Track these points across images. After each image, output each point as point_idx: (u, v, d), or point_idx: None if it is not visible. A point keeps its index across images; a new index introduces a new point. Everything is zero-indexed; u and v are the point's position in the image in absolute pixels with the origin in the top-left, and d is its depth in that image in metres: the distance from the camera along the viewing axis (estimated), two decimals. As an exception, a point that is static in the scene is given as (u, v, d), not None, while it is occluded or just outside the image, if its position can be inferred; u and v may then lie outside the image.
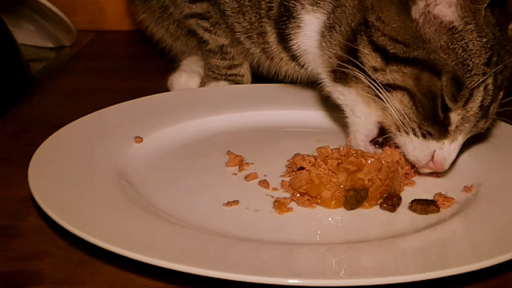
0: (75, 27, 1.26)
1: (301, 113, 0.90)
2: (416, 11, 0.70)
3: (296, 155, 0.74)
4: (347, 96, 0.76)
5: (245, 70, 0.99)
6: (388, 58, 0.71)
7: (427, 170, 0.73)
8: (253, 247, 0.61)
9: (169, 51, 1.13)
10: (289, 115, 0.90)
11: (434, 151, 0.71)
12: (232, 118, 0.89)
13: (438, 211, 0.68)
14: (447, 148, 0.71)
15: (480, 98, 0.70)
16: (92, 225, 0.61)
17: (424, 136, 0.71)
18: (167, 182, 0.74)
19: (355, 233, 0.65)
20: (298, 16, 0.81)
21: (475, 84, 0.69)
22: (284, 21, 0.83)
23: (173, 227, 0.63)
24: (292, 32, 0.83)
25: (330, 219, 0.67)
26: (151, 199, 0.69)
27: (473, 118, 0.71)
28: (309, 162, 0.70)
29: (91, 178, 0.70)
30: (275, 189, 0.72)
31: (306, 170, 0.70)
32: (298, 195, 0.70)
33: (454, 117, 0.70)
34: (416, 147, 0.72)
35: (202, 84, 1.01)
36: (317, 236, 0.65)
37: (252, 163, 0.78)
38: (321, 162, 0.70)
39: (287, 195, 0.71)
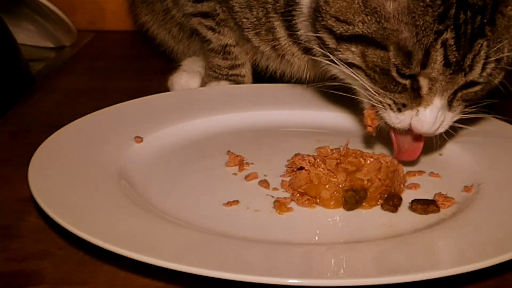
0: (75, 27, 1.26)
1: (301, 113, 0.90)
2: None
3: (296, 155, 0.74)
4: (342, 75, 0.76)
5: (246, 70, 0.99)
6: (338, 39, 0.72)
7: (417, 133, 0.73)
8: (253, 247, 0.61)
9: (171, 53, 1.13)
10: (289, 115, 0.90)
11: (412, 118, 0.71)
12: (232, 118, 0.89)
13: (438, 211, 0.68)
14: (422, 113, 0.70)
15: (440, 57, 0.67)
16: (92, 225, 0.61)
17: (399, 110, 0.72)
18: (167, 182, 0.74)
19: (355, 233, 0.65)
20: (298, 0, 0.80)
21: (427, 45, 0.67)
22: (290, 11, 0.82)
23: (173, 227, 0.63)
24: (298, 20, 0.82)
25: (330, 219, 0.67)
26: (151, 199, 0.69)
27: (441, 77, 0.68)
28: (309, 162, 0.70)
29: (91, 178, 0.70)
30: (275, 189, 0.72)
31: (306, 170, 0.70)
32: (298, 195, 0.70)
33: (422, 80, 0.69)
34: (398, 119, 0.72)
35: (203, 84, 1.01)
36: (317, 236, 0.65)
37: (252, 163, 0.78)
38: (320, 162, 0.70)
39: (287, 195, 0.71)
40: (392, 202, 0.68)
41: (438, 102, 0.70)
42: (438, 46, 0.67)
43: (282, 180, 0.73)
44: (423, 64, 0.68)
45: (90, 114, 0.85)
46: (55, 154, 0.75)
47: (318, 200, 0.69)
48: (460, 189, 0.72)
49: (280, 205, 0.68)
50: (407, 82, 0.70)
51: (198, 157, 0.80)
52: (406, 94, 0.71)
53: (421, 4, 0.67)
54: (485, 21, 0.68)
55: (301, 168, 0.71)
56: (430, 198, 0.69)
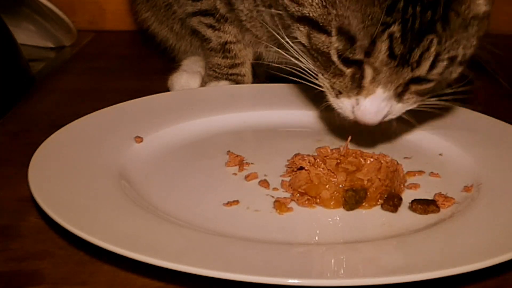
0: (75, 27, 1.26)
1: (301, 113, 0.90)
2: None
3: (296, 155, 0.74)
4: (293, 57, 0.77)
5: (246, 70, 0.99)
6: (291, 17, 0.73)
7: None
8: (253, 247, 0.61)
9: (171, 51, 1.13)
10: (289, 115, 0.90)
11: (354, 107, 0.72)
12: (232, 118, 0.89)
13: (438, 211, 0.68)
14: (362, 103, 0.71)
15: (385, 48, 0.67)
16: (92, 225, 0.61)
17: (337, 95, 0.72)
18: (167, 182, 0.74)
19: (355, 233, 0.65)
20: None
21: (374, 35, 0.66)
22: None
23: (173, 227, 0.63)
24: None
25: (330, 219, 0.67)
26: (151, 199, 0.69)
27: (385, 68, 0.68)
28: (309, 162, 0.70)
29: (91, 178, 0.70)
30: (275, 189, 0.72)
31: (306, 170, 0.70)
32: (298, 195, 0.70)
33: (367, 70, 0.69)
34: (338, 105, 0.73)
35: (203, 83, 1.01)
36: (317, 236, 0.65)
37: (252, 163, 0.78)
38: (320, 162, 0.70)
39: (287, 195, 0.71)
40: (392, 202, 0.68)
41: (381, 92, 0.70)
42: (385, 37, 0.67)
43: (282, 180, 0.73)
44: (367, 52, 0.68)
45: (90, 114, 0.85)
46: (55, 154, 0.75)
47: (318, 200, 0.69)
48: (460, 189, 0.72)
49: (280, 205, 0.68)
50: (348, 70, 0.70)
51: (198, 157, 0.80)
52: (343, 81, 0.71)
53: None
54: (436, 17, 0.67)
55: (301, 168, 0.71)
56: (430, 198, 0.69)
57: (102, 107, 0.88)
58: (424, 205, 0.68)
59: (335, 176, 0.69)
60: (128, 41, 1.37)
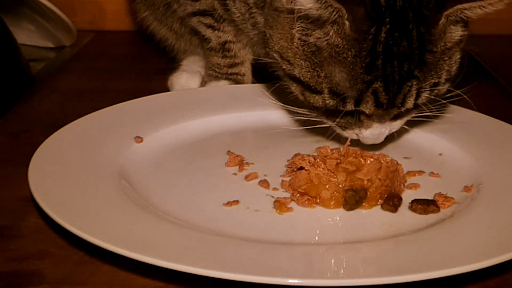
0: (75, 27, 1.26)
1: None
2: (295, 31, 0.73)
3: (296, 155, 0.74)
4: None
5: (246, 69, 0.99)
6: (284, 72, 0.77)
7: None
8: (253, 247, 0.61)
9: (171, 51, 1.13)
10: (289, 115, 0.90)
11: (358, 135, 0.77)
12: (232, 118, 0.89)
13: (438, 211, 0.68)
14: (364, 133, 0.76)
15: (371, 101, 0.72)
16: (92, 225, 0.61)
17: (342, 129, 0.77)
18: (167, 182, 0.74)
19: (355, 233, 0.65)
20: None
21: (358, 93, 0.71)
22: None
23: (173, 227, 0.63)
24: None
25: (330, 219, 0.67)
26: (151, 199, 0.69)
27: (375, 113, 0.73)
28: (309, 162, 0.70)
29: (91, 178, 0.70)
30: (275, 189, 0.72)
31: (306, 170, 0.70)
32: (298, 195, 0.70)
33: (361, 112, 0.74)
34: (344, 134, 0.78)
35: (203, 83, 1.01)
36: (317, 236, 0.65)
37: (252, 163, 0.78)
38: (320, 162, 0.70)
39: (287, 195, 0.71)
40: (392, 202, 0.68)
41: (377, 125, 0.75)
42: (369, 92, 0.71)
43: (282, 180, 0.73)
44: (356, 104, 0.72)
45: (90, 114, 0.86)
46: (55, 154, 0.75)
47: (318, 200, 0.69)
48: (460, 189, 0.72)
49: (280, 205, 0.68)
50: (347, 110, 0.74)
51: (198, 157, 0.80)
52: (346, 120, 0.75)
53: (350, 54, 0.70)
54: (412, 66, 0.71)
55: (301, 168, 0.71)
56: (430, 198, 0.69)
57: (102, 107, 0.88)
58: (424, 205, 0.68)
59: (335, 176, 0.69)
60: (128, 41, 1.37)
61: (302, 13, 0.71)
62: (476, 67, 1.21)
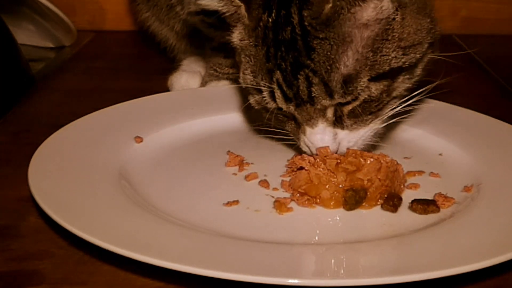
0: (75, 27, 1.26)
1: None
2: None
3: (296, 155, 0.74)
4: None
5: None
6: None
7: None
8: (253, 247, 0.61)
9: (171, 51, 1.13)
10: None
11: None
12: (232, 118, 0.89)
13: (438, 211, 0.68)
14: (304, 139, 0.73)
15: (279, 93, 0.70)
16: (92, 225, 0.61)
17: (297, 139, 0.75)
18: (167, 182, 0.74)
19: (355, 233, 0.65)
20: None
21: (265, 83, 0.70)
22: None
23: (173, 227, 0.63)
24: None
25: (330, 219, 0.67)
26: (151, 199, 0.69)
27: (292, 109, 0.71)
28: (309, 162, 0.70)
29: (91, 178, 0.70)
30: (275, 189, 0.72)
31: (306, 170, 0.70)
32: (297, 195, 0.70)
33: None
34: (300, 146, 0.74)
35: (203, 83, 1.01)
36: (317, 236, 0.65)
37: (252, 163, 0.78)
38: (320, 162, 0.70)
39: (287, 195, 0.71)
40: (392, 202, 0.68)
41: (310, 129, 0.71)
42: (275, 84, 0.70)
43: (282, 180, 0.73)
44: (273, 99, 0.71)
45: (90, 114, 0.86)
46: (55, 154, 0.75)
47: (318, 200, 0.69)
48: (460, 189, 0.72)
49: (280, 205, 0.68)
50: (286, 115, 0.73)
51: (198, 157, 0.80)
52: (290, 125, 0.74)
53: (252, 44, 0.71)
54: (298, 53, 0.68)
55: (301, 168, 0.71)
56: (430, 198, 0.69)
57: (102, 107, 0.88)
58: (424, 205, 0.68)
59: (335, 176, 0.69)
60: (128, 41, 1.37)
61: (222, 16, 0.72)
62: (476, 67, 1.21)
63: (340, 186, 0.68)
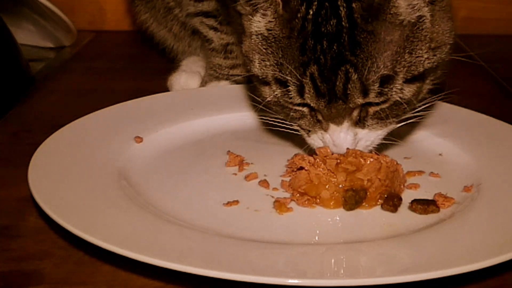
0: (75, 27, 1.26)
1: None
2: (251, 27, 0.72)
3: (296, 155, 0.74)
4: None
5: None
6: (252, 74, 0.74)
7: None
8: (253, 247, 0.61)
9: (170, 52, 1.13)
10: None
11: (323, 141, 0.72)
12: (232, 118, 0.89)
13: (438, 211, 0.68)
14: (326, 136, 0.71)
15: (310, 88, 0.68)
16: (92, 225, 0.61)
17: (307, 134, 0.73)
18: (167, 182, 0.74)
19: (355, 233, 0.65)
20: None
21: (297, 79, 0.68)
22: None
23: (173, 227, 0.63)
24: None
25: (330, 219, 0.67)
26: (151, 199, 0.69)
27: (321, 106, 0.69)
28: (309, 162, 0.70)
29: (91, 178, 0.70)
30: (275, 189, 0.72)
31: (306, 170, 0.70)
32: (297, 195, 0.70)
33: (316, 109, 0.70)
34: (310, 142, 0.74)
35: (203, 83, 1.02)
36: (317, 236, 0.65)
37: (252, 163, 0.78)
38: (320, 162, 0.70)
39: (287, 195, 0.71)
40: (392, 202, 0.68)
41: (334, 126, 0.70)
42: (308, 78, 0.68)
43: (282, 180, 0.73)
44: (300, 93, 0.69)
45: (90, 114, 0.86)
46: (55, 154, 0.75)
47: (318, 200, 0.69)
48: (460, 189, 0.72)
49: (280, 205, 0.68)
50: (305, 109, 0.71)
51: (198, 157, 0.80)
52: (306, 120, 0.72)
53: (285, 35, 0.68)
54: (343, 47, 0.66)
55: (301, 168, 0.71)
56: (430, 198, 0.69)
57: (102, 107, 0.88)
58: (424, 205, 0.68)
59: (335, 176, 0.69)
60: (128, 41, 1.37)
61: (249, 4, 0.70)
62: (476, 67, 1.21)
63: (340, 186, 0.68)
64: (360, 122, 0.71)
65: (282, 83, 0.69)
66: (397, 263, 0.59)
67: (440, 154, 0.80)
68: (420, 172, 0.76)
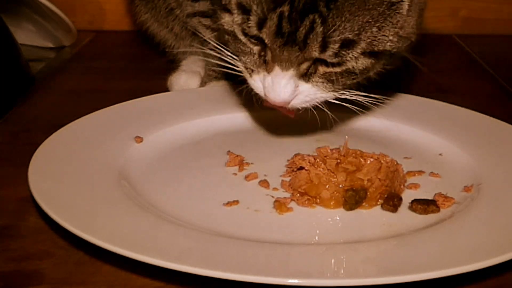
0: (75, 27, 1.26)
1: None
2: None
3: (296, 155, 0.74)
4: None
5: None
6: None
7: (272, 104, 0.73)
8: (253, 247, 0.61)
9: (170, 52, 1.13)
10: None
11: (263, 85, 0.72)
12: (232, 118, 0.89)
13: (438, 211, 0.68)
14: (267, 79, 0.71)
15: (273, 25, 0.67)
16: (92, 225, 0.61)
17: (250, 74, 0.73)
18: (167, 182, 0.74)
19: (355, 233, 0.65)
20: None
21: (265, 11, 0.67)
22: None
23: (173, 227, 0.63)
24: None
25: (330, 219, 0.67)
26: (151, 199, 0.69)
27: (275, 45, 0.68)
28: (309, 162, 0.70)
29: (91, 178, 0.70)
30: (275, 189, 0.72)
31: (306, 170, 0.70)
32: (298, 195, 0.70)
33: (266, 48, 0.70)
34: (252, 85, 0.73)
35: (203, 83, 1.01)
36: (317, 236, 0.65)
37: (252, 163, 0.78)
38: (320, 162, 0.70)
39: (287, 195, 0.71)
40: (392, 202, 0.68)
41: (279, 70, 0.69)
42: (275, 15, 0.67)
43: (282, 180, 0.73)
44: (259, 27, 0.68)
45: (90, 114, 0.86)
46: (55, 154, 0.75)
47: (318, 200, 0.69)
48: (460, 189, 0.72)
49: (280, 205, 0.68)
50: (255, 47, 0.71)
51: (198, 157, 0.80)
52: (252, 59, 0.72)
53: None
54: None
55: (301, 168, 0.71)
56: (430, 198, 0.69)
57: (102, 107, 0.88)
58: (424, 205, 0.68)
59: (335, 176, 0.69)
60: (128, 41, 1.37)
61: None
62: (476, 67, 1.21)
63: (340, 186, 0.68)
64: (305, 76, 0.71)
65: (246, 11, 0.69)
66: (397, 263, 0.59)
67: (440, 154, 0.81)
68: (420, 172, 0.76)
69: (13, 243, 0.64)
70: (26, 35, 1.23)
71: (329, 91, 0.72)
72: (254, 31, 0.69)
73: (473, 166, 0.76)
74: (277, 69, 0.70)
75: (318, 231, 0.66)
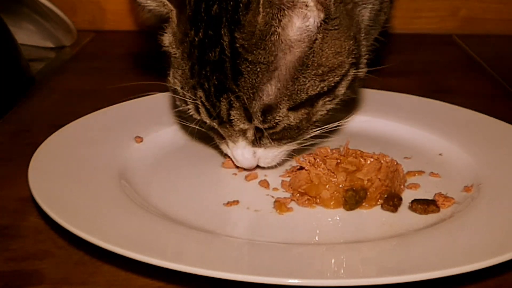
0: (75, 27, 1.26)
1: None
2: None
3: (296, 155, 0.74)
4: None
5: None
6: None
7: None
8: (253, 247, 0.61)
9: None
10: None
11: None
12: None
13: (438, 211, 0.68)
14: (228, 151, 0.74)
15: (203, 109, 0.69)
16: (92, 225, 0.61)
17: (220, 144, 0.75)
18: (167, 182, 0.74)
19: (355, 233, 0.65)
20: None
21: (191, 97, 0.69)
22: None
23: (173, 227, 0.63)
24: None
25: (330, 219, 0.67)
26: (151, 199, 0.69)
27: (215, 125, 0.70)
28: (309, 162, 0.70)
29: (91, 178, 0.70)
30: (275, 189, 0.72)
31: (306, 170, 0.70)
32: (298, 195, 0.70)
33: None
34: (222, 148, 0.75)
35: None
36: (317, 236, 0.65)
37: (252, 163, 0.78)
38: (320, 162, 0.70)
39: (287, 195, 0.71)
40: (392, 202, 0.68)
41: (232, 144, 0.72)
42: (198, 101, 0.69)
43: (282, 180, 0.73)
44: (197, 112, 0.70)
45: (90, 114, 0.86)
46: (55, 154, 0.75)
47: (318, 200, 0.69)
48: (460, 189, 0.72)
49: (280, 205, 0.68)
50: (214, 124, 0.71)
51: (198, 157, 0.80)
52: (212, 133, 0.74)
53: (179, 55, 0.69)
54: (224, 75, 0.66)
55: (301, 168, 0.71)
56: (430, 198, 0.69)
57: (102, 107, 0.88)
58: (424, 205, 0.68)
59: (335, 176, 0.69)
60: (128, 41, 1.37)
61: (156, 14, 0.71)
62: (476, 67, 1.21)
63: (340, 186, 0.68)
64: (256, 142, 0.71)
65: (183, 100, 0.71)
66: (397, 263, 0.59)
67: (440, 154, 0.80)
68: (420, 172, 0.76)
69: (13, 243, 0.64)
70: (26, 35, 1.23)
71: (284, 145, 0.73)
72: (197, 116, 0.71)
73: (473, 166, 0.76)
74: (230, 143, 0.72)
75: (318, 231, 0.66)
